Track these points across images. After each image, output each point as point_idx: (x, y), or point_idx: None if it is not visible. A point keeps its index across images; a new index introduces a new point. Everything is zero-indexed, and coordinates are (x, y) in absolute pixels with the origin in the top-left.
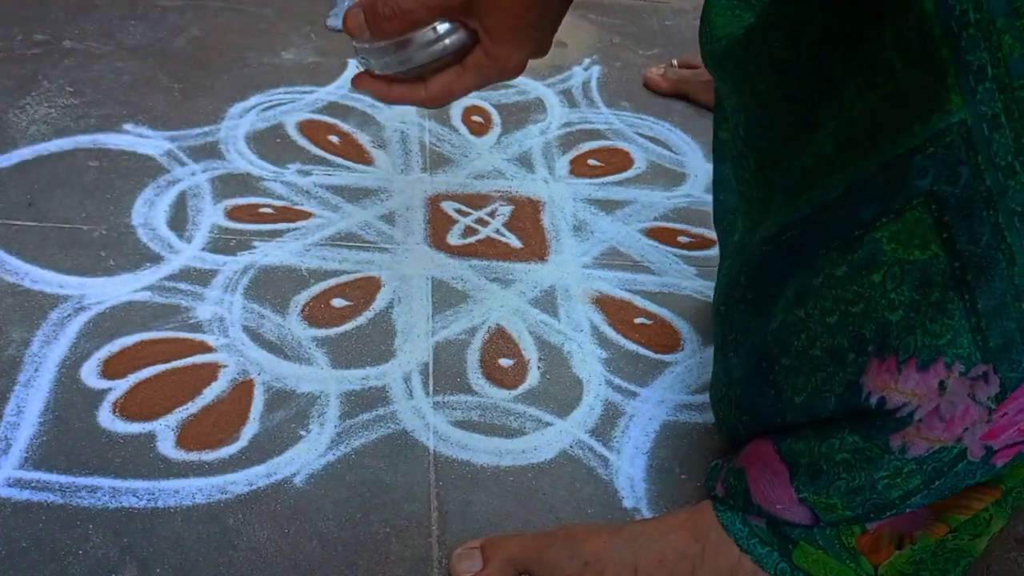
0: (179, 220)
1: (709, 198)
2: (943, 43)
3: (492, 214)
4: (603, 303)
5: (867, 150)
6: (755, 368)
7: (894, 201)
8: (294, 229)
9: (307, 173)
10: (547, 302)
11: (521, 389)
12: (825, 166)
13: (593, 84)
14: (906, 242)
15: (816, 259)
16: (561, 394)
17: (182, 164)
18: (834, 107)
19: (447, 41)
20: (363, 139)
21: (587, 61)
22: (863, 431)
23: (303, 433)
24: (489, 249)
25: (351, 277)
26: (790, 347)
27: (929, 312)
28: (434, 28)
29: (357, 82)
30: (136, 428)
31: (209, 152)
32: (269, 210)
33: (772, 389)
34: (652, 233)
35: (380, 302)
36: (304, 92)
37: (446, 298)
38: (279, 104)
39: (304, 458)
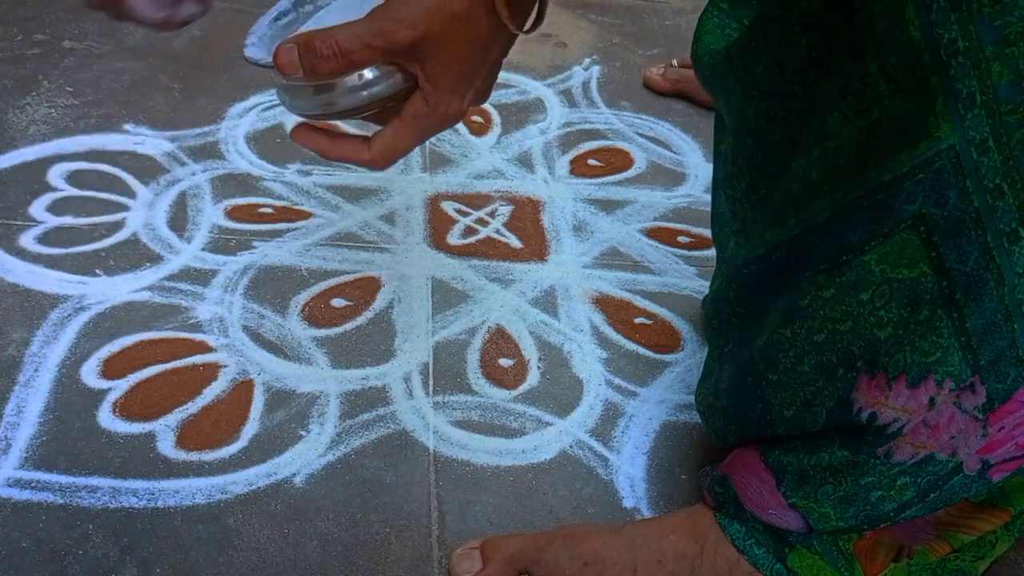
0: (179, 220)
1: (709, 198)
2: (931, 71)
3: (492, 214)
4: (603, 303)
5: (854, 176)
6: (742, 382)
7: (882, 225)
8: (294, 229)
9: (307, 173)
10: (547, 302)
11: (521, 389)
12: (811, 190)
13: (593, 84)
14: (894, 262)
15: (802, 280)
16: (561, 394)
17: (182, 164)
18: (818, 133)
19: (375, 88)
20: None
21: (587, 61)
22: (853, 446)
23: (303, 433)
24: (489, 249)
25: (351, 277)
26: (777, 364)
27: (918, 330)
28: (360, 74)
29: (297, 135)
30: (136, 428)
31: (209, 152)
32: (269, 210)
33: (760, 403)
34: (652, 233)
35: (380, 302)
36: None
37: (446, 298)
38: (279, 104)
39: (304, 458)
